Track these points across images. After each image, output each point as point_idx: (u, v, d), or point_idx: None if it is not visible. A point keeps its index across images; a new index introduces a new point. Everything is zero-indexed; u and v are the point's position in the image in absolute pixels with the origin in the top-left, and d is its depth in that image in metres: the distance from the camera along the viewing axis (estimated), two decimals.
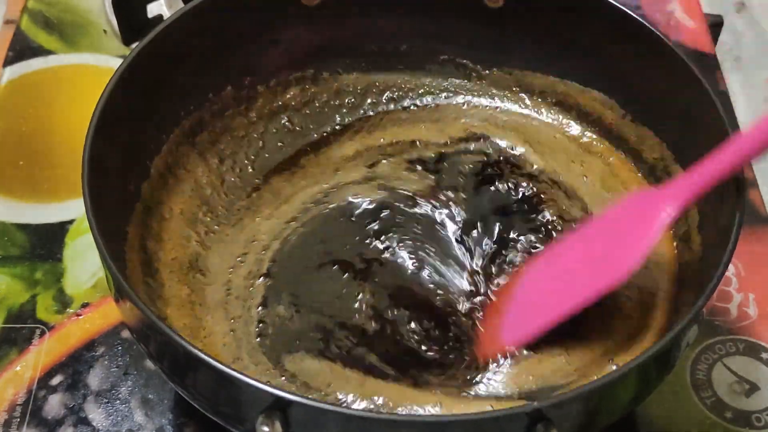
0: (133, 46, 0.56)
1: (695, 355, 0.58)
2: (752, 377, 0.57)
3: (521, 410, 0.41)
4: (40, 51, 0.75)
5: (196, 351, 0.42)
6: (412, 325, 0.54)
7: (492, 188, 0.61)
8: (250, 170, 0.62)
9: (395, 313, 0.54)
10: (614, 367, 0.51)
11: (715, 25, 0.81)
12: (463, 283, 0.56)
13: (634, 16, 0.58)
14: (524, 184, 0.61)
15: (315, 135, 0.65)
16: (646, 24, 0.57)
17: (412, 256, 0.57)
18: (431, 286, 0.56)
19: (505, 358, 0.52)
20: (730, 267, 0.62)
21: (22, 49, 0.75)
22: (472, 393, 0.51)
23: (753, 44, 1.38)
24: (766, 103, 1.31)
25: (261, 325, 0.54)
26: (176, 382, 0.47)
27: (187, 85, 0.60)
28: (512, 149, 0.63)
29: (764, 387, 0.56)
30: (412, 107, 0.66)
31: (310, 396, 0.49)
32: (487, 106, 0.66)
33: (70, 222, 0.64)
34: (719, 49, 0.79)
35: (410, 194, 0.61)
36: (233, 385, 0.42)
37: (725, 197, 0.50)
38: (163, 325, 0.43)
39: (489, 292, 0.56)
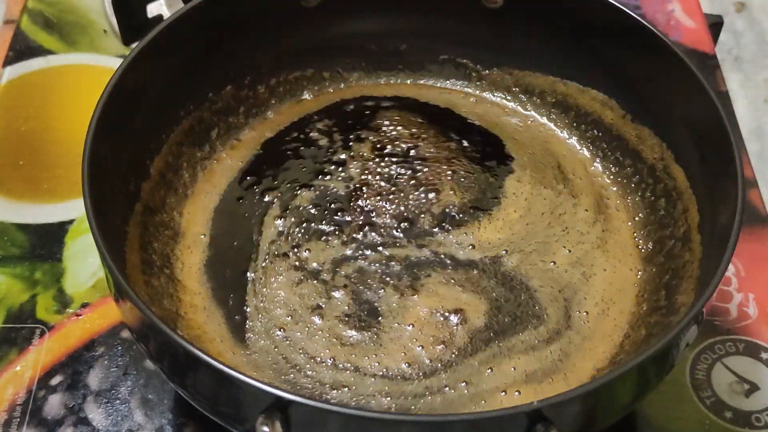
0: (133, 46, 0.56)
1: (695, 355, 0.58)
2: (752, 377, 0.57)
3: (521, 410, 0.41)
4: (40, 51, 0.75)
5: (196, 351, 0.42)
6: None
7: None
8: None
9: None
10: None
11: (715, 25, 0.81)
12: None
13: (634, 15, 0.58)
14: None
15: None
16: (646, 24, 0.57)
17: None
18: None
19: None
20: (730, 267, 0.61)
21: (22, 49, 0.75)
22: None
23: (753, 44, 1.38)
24: (766, 103, 1.31)
25: None
26: (176, 382, 0.47)
27: (187, 85, 0.60)
28: None
29: (764, 387, 0.56)
30: None
31: (310, 396, 0.50)
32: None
33: (70, 222, 0.64)
34: (719, 49, 0.79)
35: None
36: (233, 385, 0.42)
37: (725, 197, 0.50)
38: (163, 325, 0.43)
39: None
